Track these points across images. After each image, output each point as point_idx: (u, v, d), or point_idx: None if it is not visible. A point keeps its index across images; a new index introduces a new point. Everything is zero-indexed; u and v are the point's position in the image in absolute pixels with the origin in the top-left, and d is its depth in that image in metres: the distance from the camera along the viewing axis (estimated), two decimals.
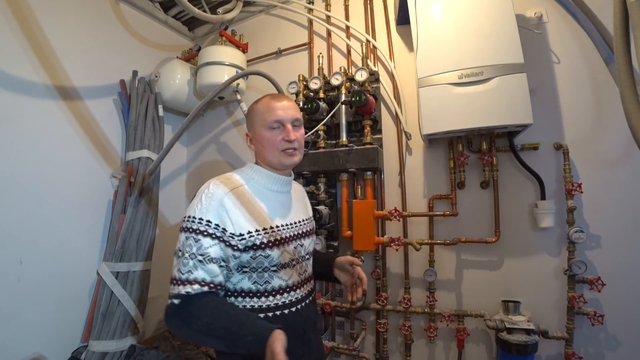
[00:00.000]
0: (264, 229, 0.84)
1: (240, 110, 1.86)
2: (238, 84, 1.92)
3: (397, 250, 1.51)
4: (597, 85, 1.34)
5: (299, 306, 0.89)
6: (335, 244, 1.66)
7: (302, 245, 0.94)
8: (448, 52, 1.28)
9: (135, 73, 1.97)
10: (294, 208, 0.97)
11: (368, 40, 1.77)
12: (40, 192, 1.51)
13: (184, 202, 2.33)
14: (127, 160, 1.82)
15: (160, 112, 1.97)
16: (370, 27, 1.81)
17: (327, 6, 1.94)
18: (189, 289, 0.73)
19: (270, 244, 0.84)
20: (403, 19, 1.62)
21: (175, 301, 0.73)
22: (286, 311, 0.86)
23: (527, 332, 1.22)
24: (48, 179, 1.55)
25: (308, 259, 0.97)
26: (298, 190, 1.08)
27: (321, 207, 1.57)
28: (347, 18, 1.88)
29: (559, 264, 1.35)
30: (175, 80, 2.01)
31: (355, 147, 1.51)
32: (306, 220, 1.00)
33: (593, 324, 1.24)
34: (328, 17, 1.92)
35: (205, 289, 0.75)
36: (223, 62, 1.91)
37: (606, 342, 1.27)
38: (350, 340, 1.62)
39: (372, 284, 1.66)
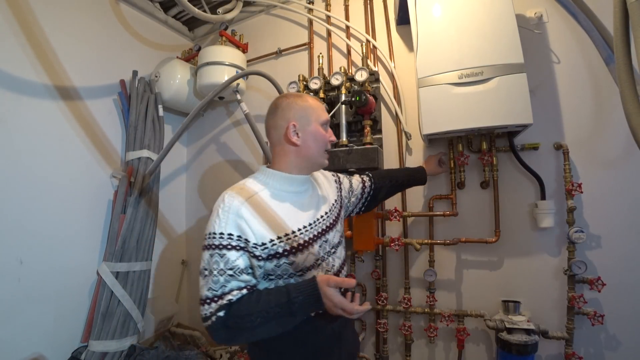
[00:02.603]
0: (286, 235, 0.82)
1: (241, 110, 1.86)
2: (238, 84, 1.92)
3: (397, 250, 1.51)
4: (597, 85, 1.34)
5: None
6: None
7: (326, 241, 0.91)
8: (448, 52, 1.28)
9: (135, 73, 1.97)
10: (315, 204, 0.94)
11: (368, 40, 1.77)
12: (40, 192, 1.51)
13: (184, 202, 2.33)
14: (127, 160, 1.82)
15: (160, 112, 1.97)
16: (370, 27, 1.81)
17: (327, 6, 1.94)
18: (229, 297, 0.75)
19: (294, 250, 0.82)
20: (403, 19, 1.62)
21: (221, 314, 0.73)
22: (313, 313, 0.83)
23: (527, 332, 1.22)
24: (48, 178, 1.55)
25: (334, 252, 0.94)
26: (320, 179, 1.05)
27: None
28: (347, 18, 1.88)
29: (559, 264, 1.35)
30: (175, 80, 2.01)
31: (355, 147, 1.51)
32: (328, 212, 0.96)
33: (593, 324, 1.24)
34: (328, 17, 1.92)
35: (244, 291, 0.77)
36: (223, 62, 1.91)
37: (606, 342, 1.27)
38: None
39: (372, 284, 1.66)
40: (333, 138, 0.96)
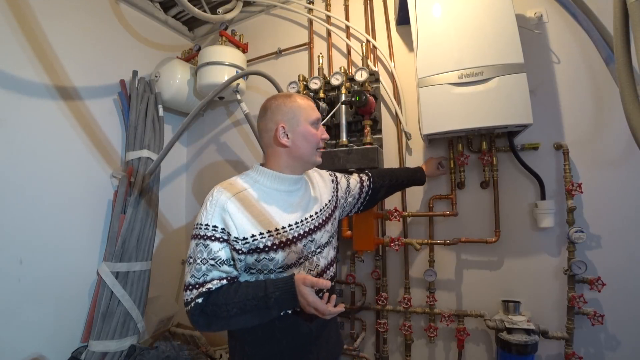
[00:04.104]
0: (269, 231, 0.84)
1: (241, 110, 1.86)
2: (238, 84, 1.92)
3: (397, 250, 1.51)
4: (597, 85, 1.34)
5: None
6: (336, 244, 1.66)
7: (312, 241, 0.92)
8: (448, 52, 1.28)
9: (135, 73, 1.97)
10: (305, 204, 0.95)
11: (368, 40, 1.77)
12: (40, 192, 1.51)
13: (184, 202, 2.33)
14: (127, 160, 1.82)
15: (160, 112, 1.97)
16: (370, 27, 1.81)
17: (327, 6, 1.94)
18: (209, 286, 0.78)
19: (275, 247, 0.84)
20: (403, 19, 1.62)
21: (199, 300, 0.77)
22: (290, 311, 0.85)
23: (527, 332, 1.23)
24: (48, 179, 1.55)
25: (320, 252, 0.94)
26: (315, 179, 1.05)
27: None
28: (347, 18, 1.88)
29: (559, 264, 1.35)
30: (175, 80, 2.01)
31: (355, 147, 1.51)
32: (319, 212, 0.97)
33: (593, 324, 1.24)
34: (328, 17, 1.92)
35: (224, 282, 0.80)
36: (223, 62, 1.91)
37: (606, 342, 1.27)
38: (350, 340, 1.62)
39: (372, 284, 1.66)
40: (325, 136, 0.96)
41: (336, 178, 1.14)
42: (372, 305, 1.59)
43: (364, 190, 1.18)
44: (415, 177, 1.33)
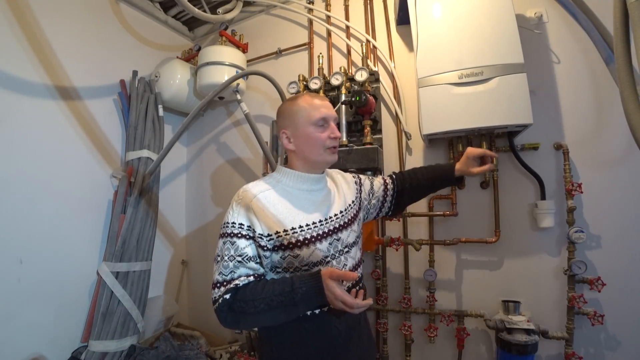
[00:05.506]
0: (292, 228, 0.84)
1: (241, 110, 1.86)
2: (238, 84, 1.92)
3: (397, 250, 1.51)
4: (597, 85, 1.34)
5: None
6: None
7: (338, 240, 0.91)
8: (448, 52, 1.28)
9: (135, 73, 1.97)
10: (329, 203, 0.95)
11: (368, 40, 1.77)
12: (40, 192, 1.51)
13: (184, 202, 2.33)
14: (127, 160, 1.82)
15: (160, 112, 1.97)
16: (370, 27, 1.81)
17: (327, 6, 1.94)
18: (237, 282, 0.79)
19: (299, 244, 0.84)
20: (403, 19, 1.62)
21: (227, 296, 0.77)
22: (317, 311, 0.85)
23: (527, 332, 1.23)
24: (48, 179, 1.55)
25: (347, 252, 0.93)
26: (339, 181, 1.04)
27: None
28: (347, 18, 1.88)
29: (559, 264, 1.35)
30: (175, 80, 2.01)
31: (355, 147, 1.51)
32: (344, 211, 0.96)
33: (593, 324, 1.24)
34: (328, 17, 1.92)
35: (251, 278, 0.81)
36: (223, 62, 1.91)
37: (606, 342, 1.27)
38: None
39: (372, 284, 1.66)
40: (335, 134, 0.91)
41: (360, 180, 1.12)
42: (372, 305, 1.59)
43: (388, 193, 1.11)
44: (441, 176, 1.10)
